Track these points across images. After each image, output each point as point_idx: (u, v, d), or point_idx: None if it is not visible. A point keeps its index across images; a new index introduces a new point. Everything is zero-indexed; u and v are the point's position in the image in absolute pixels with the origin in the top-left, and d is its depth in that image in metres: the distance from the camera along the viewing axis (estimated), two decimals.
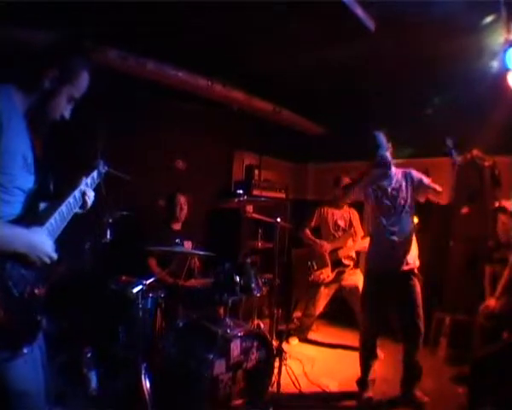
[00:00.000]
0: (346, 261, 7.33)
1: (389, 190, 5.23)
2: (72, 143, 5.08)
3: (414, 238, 5.38)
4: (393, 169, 5.28)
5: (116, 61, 5.91)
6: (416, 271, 5.32)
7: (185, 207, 6.53)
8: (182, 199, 6.47)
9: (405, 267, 5.23)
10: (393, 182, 5.26)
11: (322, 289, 7.30)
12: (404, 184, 5.25)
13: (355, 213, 7.66)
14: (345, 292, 7.33)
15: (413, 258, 5.34)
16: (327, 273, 7.22)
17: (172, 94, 7.07)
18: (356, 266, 7.52)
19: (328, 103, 8.42)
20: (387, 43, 5.61)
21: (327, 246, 7.30)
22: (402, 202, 5.19)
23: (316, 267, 7.27)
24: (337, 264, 7.29)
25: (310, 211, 7.78)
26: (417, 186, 5.26)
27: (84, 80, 2.62)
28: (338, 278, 7.31)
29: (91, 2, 4.71)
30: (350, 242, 7.36)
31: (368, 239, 6.61)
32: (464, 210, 6.55)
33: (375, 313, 5.34)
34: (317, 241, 7.41)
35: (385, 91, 7.22)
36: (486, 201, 6.94)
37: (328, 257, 7.28)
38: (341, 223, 7.51)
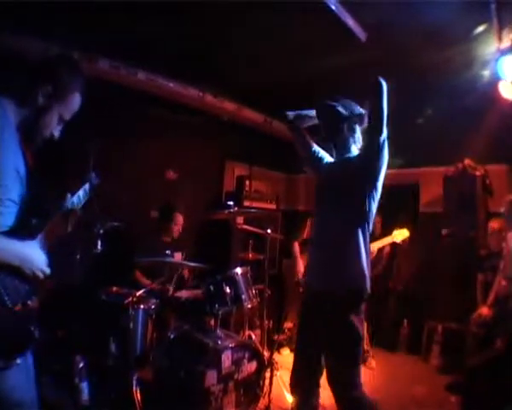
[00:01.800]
0: None
1: None
2: (63, 155, 5.07)
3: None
4: None
5: (107, 71, 5.92)
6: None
7: (180, 226, 6.53)
8: (180, 219, 6.49)
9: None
10: None
11: None
12: None
13: None
14: None
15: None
16: None
17: (163, 104, 7.07)
18: None
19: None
20: (378, 52, 5.62)
21: (300, 273, 7.29)
22: None
23: (299, 279, 7.23)
24: None
25: (301, 222, 7.77)
26: None
27: (75, 102, 2.63)
28: None
29: (83, 12, 4.71)
30: None
31: None
32: (444, 232, 6.57)
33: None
34: (298, 261, 7.42)
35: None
36: (478, 209, 6.97)
37: None
38: None
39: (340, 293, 3.67)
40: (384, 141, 3.76)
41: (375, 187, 3.82)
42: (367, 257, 3.80)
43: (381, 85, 4.02)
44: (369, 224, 3.90)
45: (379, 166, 3.74)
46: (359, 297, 3.76)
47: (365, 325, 4.58)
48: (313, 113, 4.44)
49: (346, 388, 3.86)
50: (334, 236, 3.81)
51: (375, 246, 6.94)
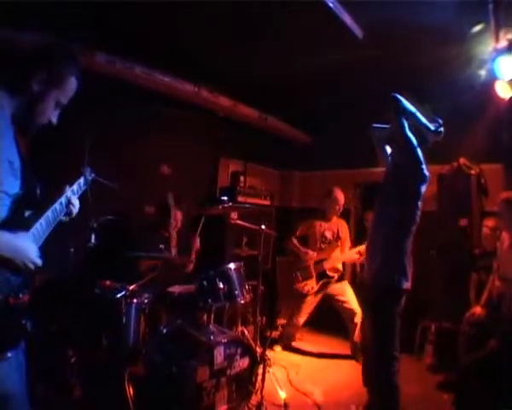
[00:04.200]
0: (330, 273, 7.28)
1: None
2: (58, 148, 5.05)
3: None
4: None
5: (103, 65, 5.89)
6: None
7: (180, 223, 6.52)
8: (178, 215, 6.46)
9: None
10: None
11: (307, 299, 7.29)
12: None
13: (344, 225, 7.68)
14: (332, 300, 7.31)
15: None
16: (311, 285, 7.21)
17: (159, 99, 7.05)
18: (342, 278, 7.52)
19: (314, 111, 8.44)
20: (375, 51, 5.62)
21: (312, 254, 7.29)
22: None
23: (300, 278, 7.24)
24: (322, 276, 7.26)
25: (297, 221, 7.77)
26: None
27: (71, 85, 2.61)
28: (323, 288, 7.29)
29: (80, 5, 4.68)
30: (336, 253, 7.33)
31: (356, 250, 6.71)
32: (463, 223, 6.56)
33: None
34: (303, 249, 7.38)
35: (372, 100, 7.24)
36: (473, 209, 6.97)
37: (312, 268, 7.28)
38: (328, 234, 7.50)
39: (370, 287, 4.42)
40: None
41: None
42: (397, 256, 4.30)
43: (395, 102, 4.37)
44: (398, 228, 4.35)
45: None
46: (385, 293, 4.32)
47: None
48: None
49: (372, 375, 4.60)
50: None
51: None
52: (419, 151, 4.23)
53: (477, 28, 4.95)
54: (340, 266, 7.43)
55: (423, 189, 4.30)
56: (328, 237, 7.49)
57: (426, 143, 4.37)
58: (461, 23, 4.88)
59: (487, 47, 5.31)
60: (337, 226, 7.59)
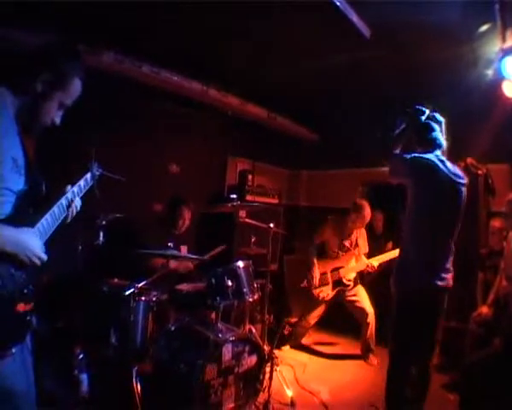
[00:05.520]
0: (346, 281, 7.24)
1: None
2: (65, 145, 5.07)
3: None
4: None
5: (111, 64, 5.91)
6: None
7: (188, 221, 6.54)
8: (186, 213, 6.48)
9: None
10: None
11: (321, 304, 7.30)
12: None
13: (363, 233, 7.58)
14: (345, 301, 7.30)
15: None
16: (327, 292, 7.19)
17: (167, 98, 7.07)
18: (356, 284, 7.43)
19: (322, 110, 8.44)
20: (382, 50, 5.62)
21: (318, 278, 7.23)
22: None
23: (316, 285, 7.22)
24: (338, 283, 7.23)
25: (318, 226, 7.70)
26: None
27: (76, 88, 2.61)
28: (338, 296, 7.27)
29: (88, 5, 4.70)
30: (352, 262, 7.28)
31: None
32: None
33: None
34: (315, 266, 7.28)
35: (379, 99, 7.24)
36: (480, 209, 6.96)
37: (329, 275, 7.25)
38: (347, 243, 7.40)
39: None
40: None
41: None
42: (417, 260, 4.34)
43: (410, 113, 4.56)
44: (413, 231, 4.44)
45: None
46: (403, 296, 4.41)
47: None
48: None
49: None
50: None
51: (379, 260, 6.96)
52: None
53: (484, 28, 4.94)
54: (353, 276, 7.37)
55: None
56: (347, 246, 7.39)
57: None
58: (467, 23, 4.86)
59: (494, 47, 5.29)
60: (356, 235, 7.49)
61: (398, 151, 4.54)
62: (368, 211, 7.23)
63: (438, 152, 4.36)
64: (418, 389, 4.53)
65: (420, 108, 4.50)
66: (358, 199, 7.43)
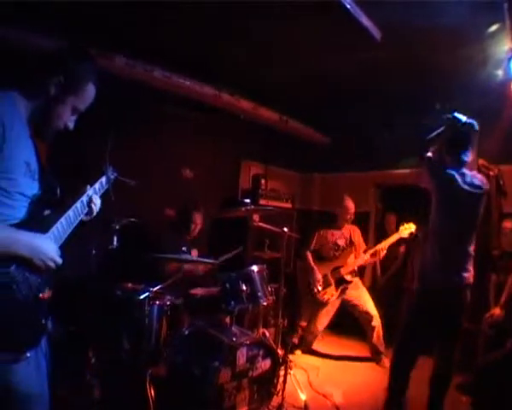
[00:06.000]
0: (348, 277, 7.27)
1: None
2: (79, 148, 5.09)
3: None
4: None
5: (123, 68, 5.94)
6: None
7: (200, 226, 6.55)
8: (198, 218, 6.49)
9: None
10: None
11: (327, 307, 7.30)
12: None
13: (356, 230, 7.68)
14: (348, 306, 7.32)
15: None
16: (331, 293, 7.20)
17: (179, 102, 7.08)
18: (356, 275, 7.46)
19: (334, 113, 8.43)
20: (392, 52, 5.62)
21: (319, 281, 7.26)
22: None
23: (320, 289, 7.23)
24: (340, 282, 7.25)
25: (317, 225, 7.76)
26: None
27: (89, 93, 2.61)
28: (342, 294, 7.29)
29: (101, 9, 4.73)
30: (351, 258, 7.32)
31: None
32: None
33: None
34: (315, 270, 7.33)
35: (390, 101, 7.24)
36: (492, 210, 6.94)
37: (330, 276, 7.27)
38: (341, 242, 7.51)
39: None
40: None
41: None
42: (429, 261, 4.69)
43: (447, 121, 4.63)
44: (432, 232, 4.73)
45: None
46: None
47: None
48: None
49: None
50: None
51: (385, 244, 6.96)
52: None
53: (493, 28, 4.94)
54: (355, 268, 7.42)
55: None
56: (341, 245, 7.49)
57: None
58: (476, 24, 4.86)
59: (503, 47, 5.29)
60: (349, 232, 7.60)
61: (430, 154, 4.63)
62: (349, 203, 7.45)
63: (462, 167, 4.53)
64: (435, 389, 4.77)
65: (457, 116, 4.53)
66: (342, 195, 7.59)
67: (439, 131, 4.61)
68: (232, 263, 5.67)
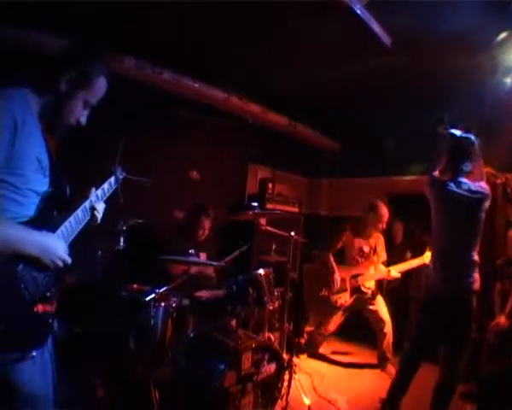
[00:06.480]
0: (364, 289, 7.17)
1: None
2: (89, 147, 5.10)
3: None
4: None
5: (133, 70, 5.96)
6: None
7: (207, 231, 6.52)
8: (207, 224, 6.44)
9: None
10: None
11: (339, 311, 7.25)
12: None
13: (381, 239, 7.49)
14: (363, 308, 7.27)
15: None
16: (345, 298, 7.12)
17: (188, 104, 7.09)
18: (374, 295, 7.30)
19: (343, 119, 8.43)
20: (402, 59, 5.62)
21: (338, 283, 7.11)
22: None
23: (335, 291, 7.17)
24: (356, 290, 7.17)
25: (336, 232, 7.65)
26: None
27: (100, 86, 2.62)
28: (356, 303, 7.22)
29: (110, 11, 4.74)
30: (371, 270, 7.20)
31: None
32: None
33: None
34: (336, 271, 7.15)
35: (399, 107, 7.23)
36: (497, 218, 6.92)
37: (348, 282, 7.19)
38: (366, 248, 7.32)
39: None
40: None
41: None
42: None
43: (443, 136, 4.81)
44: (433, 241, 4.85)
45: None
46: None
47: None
48: None
49: None
50: None
51: (399, 269, 6.91)
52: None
53: (502, 36, 4.94)
54: (372, 285, 7.30)
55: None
56: (366, 252, 7.32)
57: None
58: (485, 31, 4.87)
59: None
60: (375, 241, 7.41)
61: (436, 173, 4.77)
62: (384, 210, 7.13)
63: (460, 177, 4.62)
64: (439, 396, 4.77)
65: (453, 132, 4.65)
66: (373, 199, 7.34)
67: (437, 149, 4.68)
68: (238, 267, 5.66)
